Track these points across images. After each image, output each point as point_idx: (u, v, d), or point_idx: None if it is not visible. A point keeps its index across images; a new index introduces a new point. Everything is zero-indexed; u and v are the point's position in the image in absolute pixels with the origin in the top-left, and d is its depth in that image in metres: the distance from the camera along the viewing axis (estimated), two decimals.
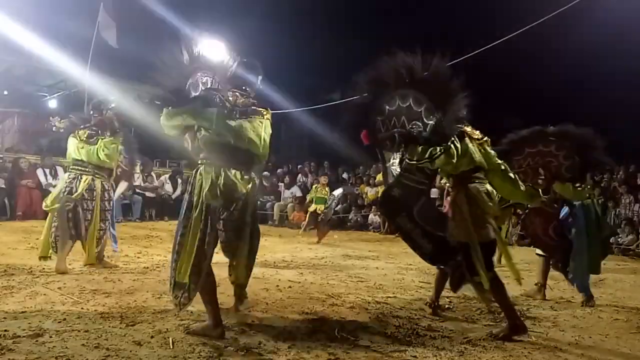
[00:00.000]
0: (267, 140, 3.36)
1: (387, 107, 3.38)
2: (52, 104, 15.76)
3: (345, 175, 14.88)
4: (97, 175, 5.19)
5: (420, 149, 3.34)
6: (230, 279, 3.52)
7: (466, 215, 3.43)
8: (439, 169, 3.62)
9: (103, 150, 5.08)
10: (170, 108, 3.20)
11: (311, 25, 14.35)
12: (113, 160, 5.26)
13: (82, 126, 5.23)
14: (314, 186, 9.90)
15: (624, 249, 9.32)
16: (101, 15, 11.89)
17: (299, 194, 13.94)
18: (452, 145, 3.36)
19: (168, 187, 12.89)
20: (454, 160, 3.40)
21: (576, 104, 12.78)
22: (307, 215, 9.66)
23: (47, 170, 11.14)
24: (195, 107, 3.18)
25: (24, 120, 13.90)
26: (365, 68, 3.49)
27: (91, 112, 5.32)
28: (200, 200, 3.12)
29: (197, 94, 3.24)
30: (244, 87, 3.43)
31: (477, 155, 3.47)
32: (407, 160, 3.56)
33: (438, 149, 3.32)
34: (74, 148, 5.18)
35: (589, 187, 4.62)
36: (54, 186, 8.70)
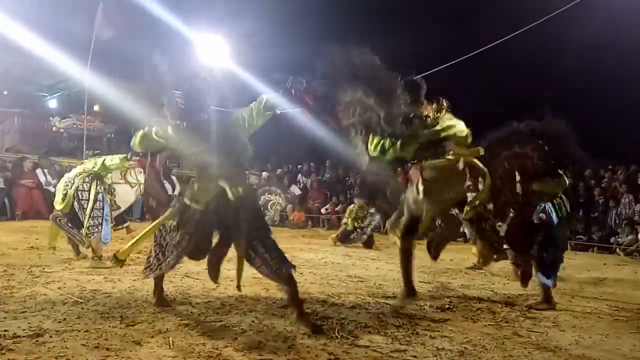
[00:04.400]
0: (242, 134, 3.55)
1: (344, 97, 3.60)
2: (52, 104, 15.73)
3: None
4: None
5: (374, 142, 3.68)
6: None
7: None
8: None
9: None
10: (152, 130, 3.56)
11: (311, 26, 14.35)
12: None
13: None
14: (350, 208, 9.50)
15: (624, 249, 9.33)
16: (100, 14, 11.88)
17: (297, 192, 13.93)
18: (400, 139, 3.67)
19: (167, 187, 12.90)
20: (402, 152, 3.71)
21: (577, 104, 12.76)
22: (340, 230, 9.37)
23: (46, 170, 11.16)
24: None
25: (24, 120, 13.91)
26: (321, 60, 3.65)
27: None
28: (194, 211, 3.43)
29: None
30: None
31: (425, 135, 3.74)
32: (368, 154, 3.85)
33: (387, 143, 3.66)
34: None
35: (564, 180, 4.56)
36: (54, 186, 8.88)
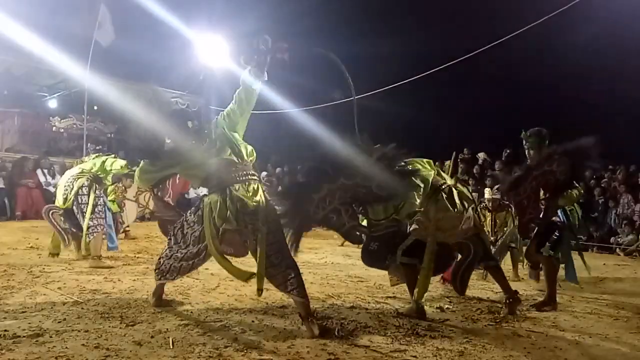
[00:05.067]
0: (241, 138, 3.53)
1: (323, 187, 3.46)
2: (52, 104, 15.71)
3: None
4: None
5: (382, 208, 3.70)
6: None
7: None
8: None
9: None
10: (149, 162, 3.47)
11: (311, 25, 14.36)
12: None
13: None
14: None
15: (624, 248, 9.33)
16: (101, 15, 11.88)
17: None
18: (412, 193, 3.66)
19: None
20: (418, 202, 3.72)
21: (577, 104, 12.77)
22: None
23: (46, 170, 11.16)
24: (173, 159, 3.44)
25: (24, 120, 13.89)
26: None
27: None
28: (210, 227, 3.31)
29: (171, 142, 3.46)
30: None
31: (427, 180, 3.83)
32: (372, 220, 3.84)
33: (400, 202, 3.67)
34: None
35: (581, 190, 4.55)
36: (54, 186, 9.00)
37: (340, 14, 15.74)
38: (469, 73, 12.31)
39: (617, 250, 9.45)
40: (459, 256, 4.21)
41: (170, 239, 3.58)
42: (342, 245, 8.74)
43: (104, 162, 5.73)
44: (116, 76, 12.63)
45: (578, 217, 4.52)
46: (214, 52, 13.82)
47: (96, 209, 5.61)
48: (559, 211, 4.44)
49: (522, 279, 5.69)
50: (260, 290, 3.28)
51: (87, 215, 5.54)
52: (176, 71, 13.79)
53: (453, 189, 3.96)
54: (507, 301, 4.05)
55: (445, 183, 3.96)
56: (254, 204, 3.30)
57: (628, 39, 11.03)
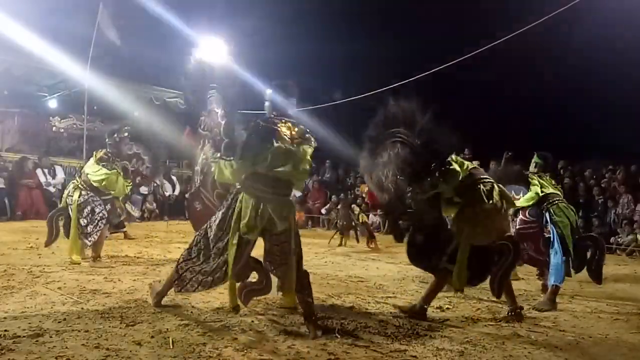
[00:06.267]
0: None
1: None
2: (52, 104, 15.71)
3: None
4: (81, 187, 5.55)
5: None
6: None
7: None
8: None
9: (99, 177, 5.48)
10: (237, 161, 3.30)
11: (311, 25, 14.36)
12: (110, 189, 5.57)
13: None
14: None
15: (624, 248, 9.33)
16: (100, 15, 11.90)
17: (298, 194, 13.91)
18: (450, 168, 3.71)
19: (167, 187, 12.90)
20: (457, 176, 3.70)
21: (577, 105, 12.78)
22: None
23: (46, 170, 11.16)
24: (257, 153, 3.28)
25: (24, 120, 13.88)
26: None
27: (107, 140, 5.64)
28: (237, 228, 3.27)
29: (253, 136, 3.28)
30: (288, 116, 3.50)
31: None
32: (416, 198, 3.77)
33: (436, 176, 3.68)
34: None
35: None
36: (54, 186, 8.91)
37: (340, 14, 15.75)
38: (469, 73, 12.31)
39: (617, 250, 9.44)
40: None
41: (191, 249, 3.47)
42: (341, 245, 8.75)
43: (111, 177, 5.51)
44: (116, 76, 12.64)
45: (565, 215, 4.54)
46: (214, 52, 13.82)
47: (85, 210, 5.46)
48: (552, 226, 4.51)
49: (522, 278, 5.69)
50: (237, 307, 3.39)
51: (73, 219, 5.41)
52: (176, 71, 13.81)
53: (495, 185, 3.86)
54: (510, 313, 3.92)
55: (488, 178, 3.88)
56: (283, 227, 3.30)
57: (628, 39, 11.04)
